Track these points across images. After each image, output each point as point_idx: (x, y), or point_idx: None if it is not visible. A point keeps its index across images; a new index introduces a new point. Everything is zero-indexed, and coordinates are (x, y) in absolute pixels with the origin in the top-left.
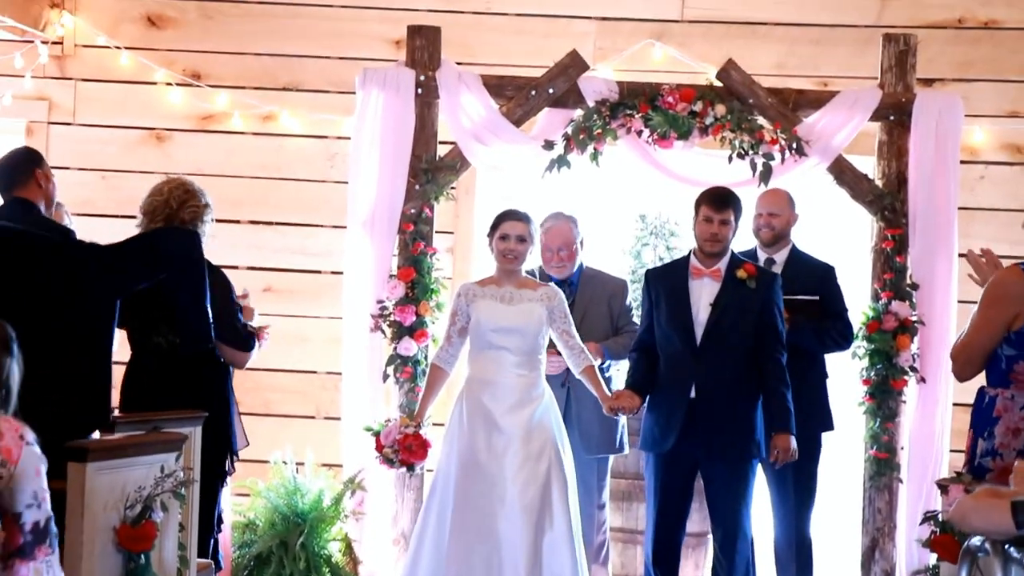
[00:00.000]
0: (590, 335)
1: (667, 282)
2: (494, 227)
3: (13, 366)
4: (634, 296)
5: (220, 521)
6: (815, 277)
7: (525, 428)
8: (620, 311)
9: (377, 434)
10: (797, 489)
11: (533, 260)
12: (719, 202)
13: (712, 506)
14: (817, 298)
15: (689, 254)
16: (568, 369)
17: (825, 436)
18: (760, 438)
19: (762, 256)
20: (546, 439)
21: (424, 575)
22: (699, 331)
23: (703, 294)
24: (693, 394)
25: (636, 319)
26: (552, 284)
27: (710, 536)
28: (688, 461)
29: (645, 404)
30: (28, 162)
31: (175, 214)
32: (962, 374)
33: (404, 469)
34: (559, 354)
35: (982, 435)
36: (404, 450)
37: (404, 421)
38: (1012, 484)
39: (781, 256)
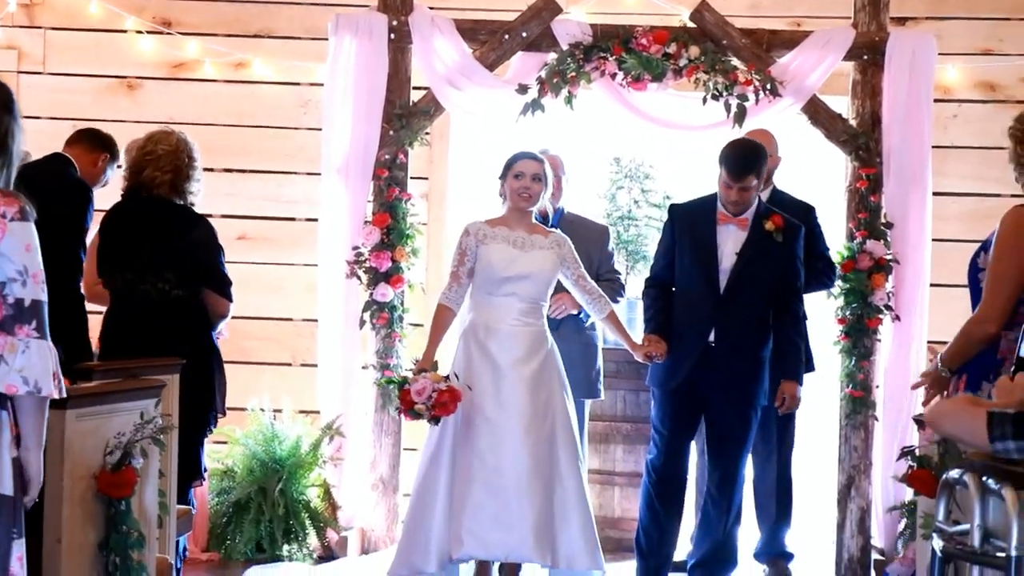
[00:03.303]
0: None
1: (693, 223)
2: (507, 167)
3: (14, 127)
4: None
5: (205, 470)
6: (796, 217)
7: (533, 381)
8: (601, 258)
9: (401, 386)
10: (779, 431)
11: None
12: (738, 173)
13: (712, 449)
14: None
15: (716, 196)
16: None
17: (806, 378)
18: (766, 386)
19: None
20: (552, 390)
21: (436, 528)
22: (723, 279)
23: (728, 241)
24: (712, 338)
25: (617, 265)
26: (558, 230)
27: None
28: (696, 400)
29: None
30: (102, 146)
31: (141, 185)
32: (997, 334)
33: (430, 422)
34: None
35: (987, 379)
36: (439, 405)
37: (436, 377)
38: (994, 397)
39: (762, 197)
